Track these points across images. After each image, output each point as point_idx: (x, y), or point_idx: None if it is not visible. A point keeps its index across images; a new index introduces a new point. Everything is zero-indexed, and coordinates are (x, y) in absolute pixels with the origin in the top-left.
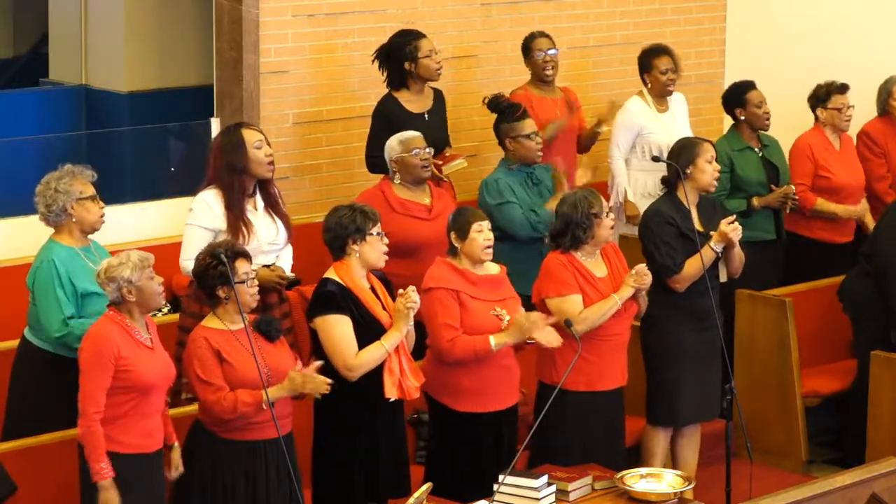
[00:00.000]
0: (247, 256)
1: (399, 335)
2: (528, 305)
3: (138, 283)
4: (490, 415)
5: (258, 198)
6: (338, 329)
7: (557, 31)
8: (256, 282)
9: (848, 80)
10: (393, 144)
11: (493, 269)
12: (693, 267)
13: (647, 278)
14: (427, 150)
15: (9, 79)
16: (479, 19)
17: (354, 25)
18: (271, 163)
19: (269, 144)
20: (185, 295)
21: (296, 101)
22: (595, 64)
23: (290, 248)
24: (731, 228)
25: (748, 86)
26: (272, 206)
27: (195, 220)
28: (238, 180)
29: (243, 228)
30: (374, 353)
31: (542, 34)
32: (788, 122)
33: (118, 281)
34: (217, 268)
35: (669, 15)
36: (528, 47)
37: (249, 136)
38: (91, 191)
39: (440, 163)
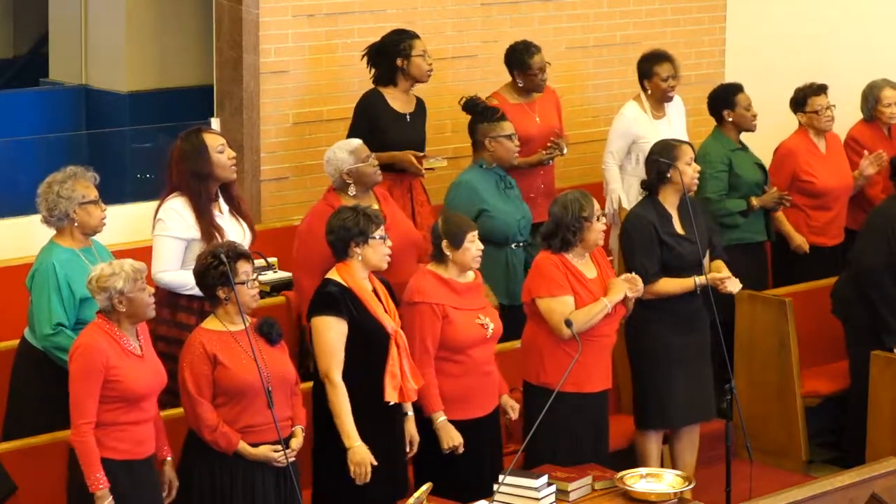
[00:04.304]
0: (248, 257)
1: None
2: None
3: (130, 294)
4: (471, 421)
5: (221, 202)
6: (330, 333)
7: (557, 32)
8: (257, 283)
9: (849, 80)
10: (343, 157)
11: (471, 276)
12: (668, 287)
13: (640, 285)
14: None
15: (9, 79)
16: (479, 19)
17: (354, 25)
18: (234, 165)
19: (229, 147)
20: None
21: (296, 101)
22: (595, 64)
23: None
24: (731, 286)
25: (737, 88)
26: (236, 208)
27: (166, 230)
28: (204, 186)
29: (216, 234)
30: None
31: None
32: (788, 123)
33: (110, 291)
34: (218, 268)
35: (669, 15)
36: (524, 62)
37: (211, 140)
38: (93, 194)
39: (422, 155)
